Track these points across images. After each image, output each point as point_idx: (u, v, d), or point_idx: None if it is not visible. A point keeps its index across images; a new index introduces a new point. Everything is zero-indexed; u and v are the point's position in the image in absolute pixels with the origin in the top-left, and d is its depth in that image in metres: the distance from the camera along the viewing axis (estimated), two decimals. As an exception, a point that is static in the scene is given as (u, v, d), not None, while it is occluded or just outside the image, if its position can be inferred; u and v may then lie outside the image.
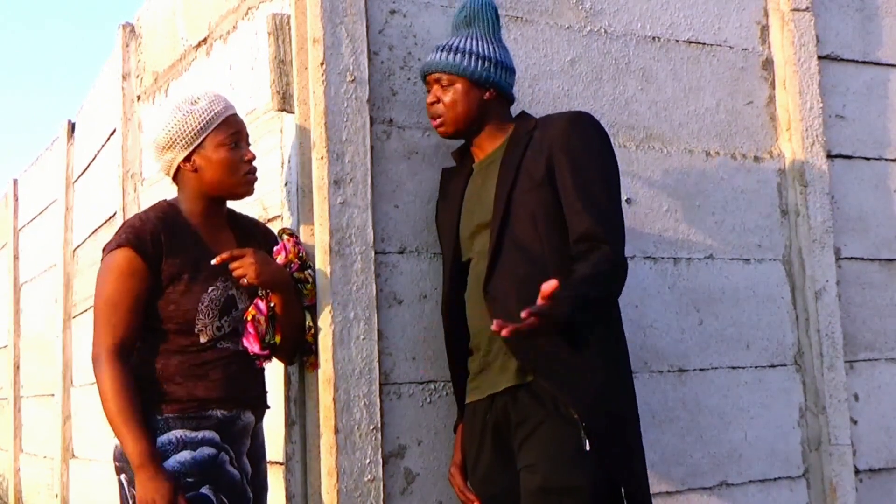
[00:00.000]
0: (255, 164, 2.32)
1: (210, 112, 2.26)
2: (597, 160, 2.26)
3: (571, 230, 2.20)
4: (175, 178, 2.33)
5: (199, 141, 2.25)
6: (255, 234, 2.42)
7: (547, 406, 2.17)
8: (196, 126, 2.25)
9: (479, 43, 2.37)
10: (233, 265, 2.22)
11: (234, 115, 2.31)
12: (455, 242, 2.39)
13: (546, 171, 2.24)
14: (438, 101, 2.37)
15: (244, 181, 2.29)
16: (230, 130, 2.27)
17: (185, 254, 2.23)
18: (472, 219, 2.36)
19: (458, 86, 2.35)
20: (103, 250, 2.25)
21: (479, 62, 2.35)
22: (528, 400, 2.21)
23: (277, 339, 2.27)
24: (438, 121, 2.39)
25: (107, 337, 2.16)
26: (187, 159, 2.27)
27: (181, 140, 2.26)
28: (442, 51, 2.37)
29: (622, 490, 2.18)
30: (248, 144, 2.32)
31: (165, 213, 2.28)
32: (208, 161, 2.26)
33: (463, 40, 2.37)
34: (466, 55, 2.35)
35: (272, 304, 2.27)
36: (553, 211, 2.23)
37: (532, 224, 2.23)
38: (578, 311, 2.03)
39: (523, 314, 1.87)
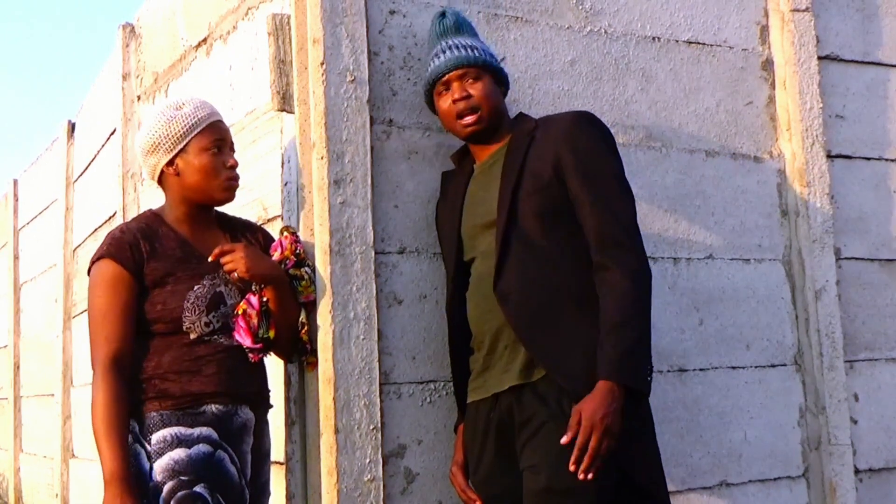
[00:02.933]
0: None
1: (194, 117, 2.28)
2: (605, 158, 2.27)
3: (588, 231, 2.20)
4: (160, 182, 2.35)
5: (183, 145, 2.27)
6: (247, 236, 2.41)
7: (551, 406, 2.17)
8: (180, 130, 2.27)
9: (481, 43, 2.39)
10: (224, 259, 2.23)
11: (219, 122, 2.33)
12: (457, 243, 2.39)
13: (553, 172, 2.24)
14: (469, 95, 2.32)
15: (225, 186, 2.29)
16: (214, 136, 2.29)
17: (168, 256, 2.25)
18: (474, 219, 2.36)
19: (487, 79, 2.34)
20: (90, 263, 2.28)
21: (495, 59, 2.36)
22: (532, 400, 2.20)
23: (271, 333, 2.27)
24: (474, 116, 2.32)
25: (101, 349, 2.19)
26: (171, 163, 2.29)
27: (165, 144, 2.28)
28: (460, 48, 2.34)
29: (641, 489, 2.17)
30: (233, 152, 2.34)
31: (147, 221, 2.32)
32: (190, 165, 2.27)
33: (469, 39, 2.37)
34: (484, 52, 2.35)
35: (265, 300, 2.27)
36: (561, 210, 2.24)
37: (539, 222, 2.23)
38: (635, 360, 2.10)
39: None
